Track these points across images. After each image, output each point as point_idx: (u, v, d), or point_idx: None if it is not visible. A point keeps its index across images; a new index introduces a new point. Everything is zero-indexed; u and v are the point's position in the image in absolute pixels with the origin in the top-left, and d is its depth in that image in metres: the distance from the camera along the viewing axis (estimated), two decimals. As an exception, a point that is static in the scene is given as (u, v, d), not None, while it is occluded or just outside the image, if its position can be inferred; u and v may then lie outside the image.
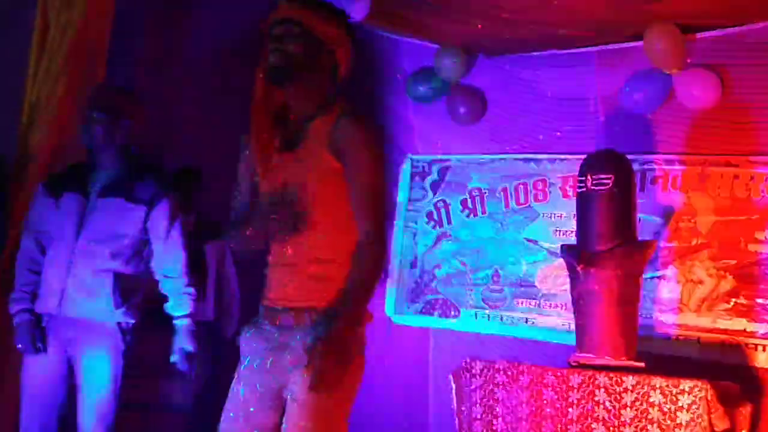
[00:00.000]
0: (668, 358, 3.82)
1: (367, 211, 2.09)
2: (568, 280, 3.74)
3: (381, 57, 4.87)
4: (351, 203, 2.10)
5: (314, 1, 2.18)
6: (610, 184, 3.52)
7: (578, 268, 3.54)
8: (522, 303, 4.45)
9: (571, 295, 3.66)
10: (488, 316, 4.54)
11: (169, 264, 3.16)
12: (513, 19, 4.03)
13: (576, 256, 3.56)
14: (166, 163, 4.30)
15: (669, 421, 3.14)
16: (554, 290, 4.34)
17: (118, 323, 3.07)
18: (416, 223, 4.84)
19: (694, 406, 3.10)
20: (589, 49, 4.29)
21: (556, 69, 4.43)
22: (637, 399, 3.21)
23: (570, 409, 3.33)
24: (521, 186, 4.55)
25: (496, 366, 3.54)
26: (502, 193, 4.60)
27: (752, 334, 3.81)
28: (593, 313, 3.50)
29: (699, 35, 3.99)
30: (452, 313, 4.65)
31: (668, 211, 4.09)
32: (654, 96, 4.08)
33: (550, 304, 4.36)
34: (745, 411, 3.36)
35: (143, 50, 4.31)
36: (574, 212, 3.79)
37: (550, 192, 4.46)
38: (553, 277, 4.35)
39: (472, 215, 4.69)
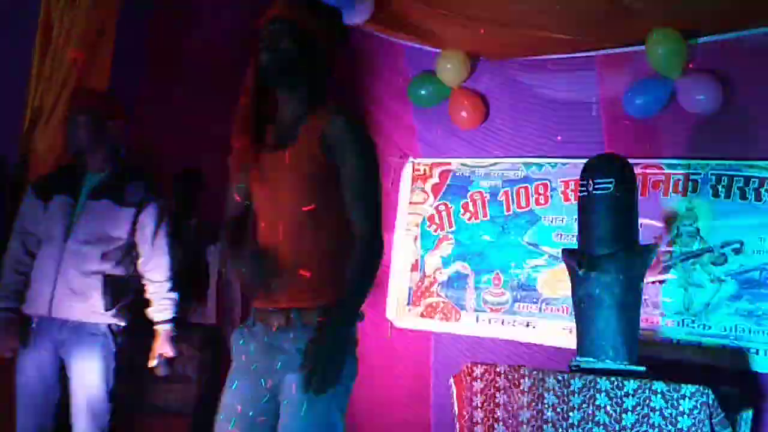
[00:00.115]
0: (669, 363, 3.83)
1: (361, 211, 2.09)
2: (569, 284, 3.74)
3: (383, 60, 4.88)
4: (344, 203, 2.10)
5: (308, 1, 2.18)
6: (612, 188, 3.52)
7: (579, 272, 3.54)
8: (523, 307, 4.45)
9: (572, 299, 3.66)
10: (489, 319, 4.54)
11: (153, 267, 3.17)
12: (514, 24, 4.03)
13: (577, 260, 3.56)
14: (167, 166, 4.31)
15: (670, 426, 3.14)
16: (555, 294, 4.35)
17: (109, 325, 3.08)
18: (417, 226, 4.84)
19: (695, 411, 3.10)
20: (591, 53, 4.30)
21: (557, 73, 4.43)
22: (638, 403, 3.21)
23: (571, 413, 3.33)
24: (522, 190, 4.55)
25: (497, 370, 3.54)
26: (503, 196, 4.61)
27: (754, 339, 3.81)
28: (594, 317, 3.50)
29: (701, 40, 3.99)
30: (453, 316, 4.65)
31: (670, 216, 4.10)
32: (656, 100, 4.09)
33: (551, 308, 4.36)
34: (747, 416, 3.36)
35: (146, 52, 4.31)
36: (576, 216, 3.79)
37: (551, 196, 4.46)
38: (555, 281, 4.35)
39: (473, 219, 4.69)
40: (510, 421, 3.46)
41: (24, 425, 3.06)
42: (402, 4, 4.09)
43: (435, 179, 4.84)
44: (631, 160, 3.74)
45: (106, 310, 3.06)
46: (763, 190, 3.90)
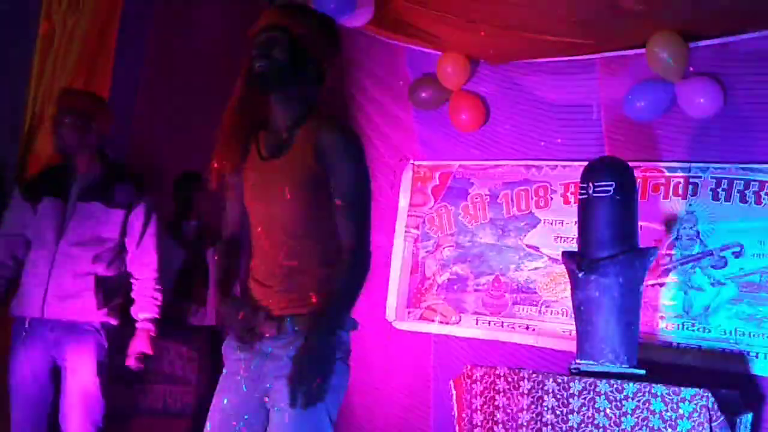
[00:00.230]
0: (669, 366, 3.82)
1: (351, 221, 2.09)
2: (569, 286, 3.74)
3: (383, 63, 4.88)
4: (334, 211, 2.10)
5: (301, 9, 2.19)
6: (612, 191, 3.52)
7: (579, 275, 3.54)
8: (523, 309, 4.45)
9: (572, 302, 3.66)
10: (489, 322, 4.54)
11: (140, 265, 3.18)
12: (515, 27, 4.04)
13: (577, 262, 3.57)
14: (167, 169, 4.31)
15: (670, 429, 3.14)
16: (555, 297, 4.35)
17: (102, 323, 3.09)
18: (418, 228, 4.85)
19: (695, 414, 3.10)
20: (592, 56, 4.30)
21: (558, 76, 4.43)
22: (638, 407, 3.21)
23: (571, 416, 3.33)
24: (522, 192, 4.56)
25: (497, 372, 3.54)
26: (503, 199, 4.61)
27: (754, 343, 3.81)
28: (594, 320, 3.50)
29: (701, 44, 3.99)
30: (453, 318, 4.65)
31: (670, 219, 4.10)
32: (656, 104, 4.09)
33: (551, 310, 4.36)
34: (746, 419, 3.36)
35: (146, 56, 4.31)
36: (576, 219, 3.79)
37: (551, 198, 4.46)
38: (554, 284, 4.35)
39: (473, 221, 4.70)
40: (510, 424, 3.46)
41: (19, 426, 3.07)
42: (403, 7, 4.09)
43: (435, 181, 4.84)
44: (631, 163, 3.74)
45: (99, 308, 3.08)
46: (763, 194, 3.90)
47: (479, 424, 3.55)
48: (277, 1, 2.16)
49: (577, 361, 3.54)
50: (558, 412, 3.36)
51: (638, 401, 3.22)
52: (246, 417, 2.11)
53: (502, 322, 4.50)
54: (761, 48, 3.88)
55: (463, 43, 4.43)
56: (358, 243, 2.09)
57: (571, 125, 4.43)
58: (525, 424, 3.42)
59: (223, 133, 2.18)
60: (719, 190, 4.01)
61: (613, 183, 3.53)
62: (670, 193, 4.12)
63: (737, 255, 3.92)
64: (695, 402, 3.11)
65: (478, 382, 3.57)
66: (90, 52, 3.57)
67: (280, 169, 2.13)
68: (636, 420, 3.20)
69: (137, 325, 3.19)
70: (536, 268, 4.45)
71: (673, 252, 4.06)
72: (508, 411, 3.47)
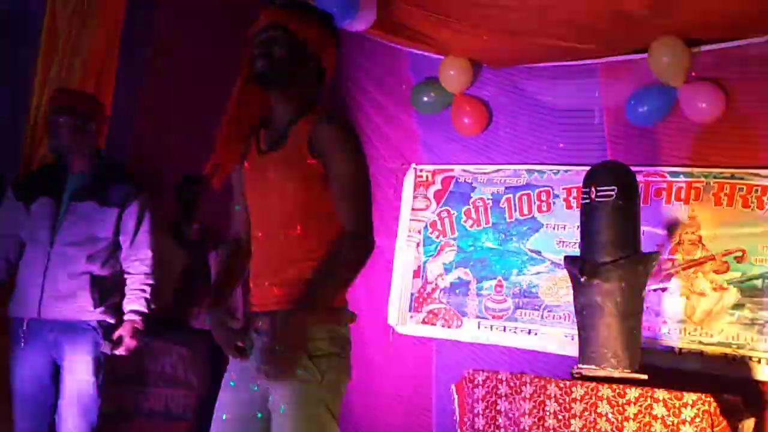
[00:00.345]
0: (671, 371, 3.82)
1: (351, 211, 2.09)
2: (571, 291, 3.74)
3: (386, 67, 4.89)
4: (334, 203, 2.10)
5: (300, 6, 2.20)
6: (614, 196, 3.52)
7: (581, 280, 3.54)
8: (525, 314, 4.44)
9: (574, 307, 3.66)
10: (491, 326, 4.54)
11: (133, 262, 3.19)
12: (517, 32, 4.04)
13: (579, 267, 3.56)
14: (170, 170, 4.32)
15: (672, 434, 3.14)
16: (557, 301, 4.34)
17: (99, 322, 3.10)
18: (420, 232, 4.85)
19: (697, 420, 3.09)
20: (594, 61, 4.30)
21: (560, 80, 4.44)
22: (640, 411, 3.21)
23: (573, 421, 3.32)
24: (525, 197, 4.56)
25: (499, 377, 3.54)
26: (505, 203, 4.61)
27: (756, 348, 3.81)
28: (596, 325, 3.50)
29: (703, 49, 4.00)
30: (455, 323, 4.65)
31: (672, 224, 4.10)
32: (658, 108, 4.09)
33: (553, 315, 4.36)
34: (748, 424, 3.35)
35: (151, 59, 4.33)
36: (578, 223, 3.79)
37: (553, 203, 4.46)
38: (556, 289, 4.35)
39: (475, 225, 4.70)
40: (511, 429, 3.45)
41: (21, 427, 3.07)
42: (405, 11, 4.10)
43: (437, 186, 4.85)
44: (633, 168, 3.75)
45: (95, 307, 3.09)
46: (765, 199, 3.90)
47: (481, 428, 3.54)
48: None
49: (579, 365, 3.54)
50: (560, 417, 3.35)
51: (640, 406, 3.21)
52: (248, 415, 2.12)
53: (505, 327, 4.50)
54: (763, 53, 3.89)
55: (465, 47, 4.43)
56: (358, 228, 2.08)
57: (573, 130, 4.44)
58: (527, 428, 3.41)
59: (224, 132, 2.19)
60: (721, 194, 4.00)
61: (615, 187, 3.53)
62: (672, 197, 4.12)
63: (739, 260, 3.91)
64: (697, 407, 3.10)
65: (480, 387, 3.57)
66: (95, 56, 3.57)
67: (275, 163, 2.14)
68: (638, 425, 3.20)
69: (125, 317, 3.18)
70: (538, 273, 4.45)
71: (675, 257, 4.06)
72: (510, 415, 3.46)
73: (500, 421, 3.49)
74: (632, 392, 3.24)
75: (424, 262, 4.81)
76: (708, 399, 3.11)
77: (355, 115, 4.94)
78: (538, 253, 4.46)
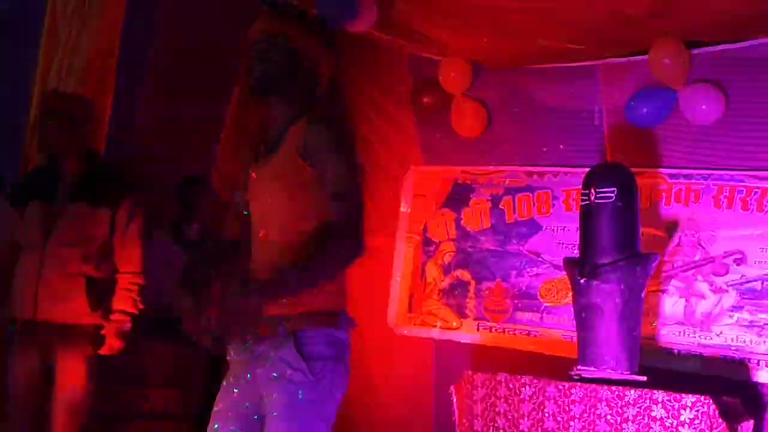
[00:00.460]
0: (670, 373, 3.82)
1: (337, 211, 2.07)
2: (570, 293, 3.74)
3: (386, 68, 4.88)
4: (325, 204, 2.10)
5: (297, 14, 2.21)
6: (614, 198, 3.52)
7: (581, 281, 3.54)
8: (524, 315, 4.44)
9: (574, 308, 3.66)
10: (490, 327, 4.54)
11: (123, 260, 3.19)
12: (517, 33, 4.04)
13: (579, 269, 3.57)
14: (170, 171, 4.32)
15: (671, 436, 3.14)
16: (556, 303, 4.34)
17: (94, 326, 3.10)
18: (419, 233, 4.84)
19: (696, 421, 3.09)
20: (594, 62, 4.30)
21: (560, 82, 4.44)
22: (639, 413, 3.21)
23: (572, 423, 3.32)
24: (524, 198, 4.56)
25: (498, 378, 3.54)
26: (505, 205, 4.61)
27: (755, 350, 3.81)
28: (595, 327, 3.50)
29: (703, 50, 4.00)
30: (454, 324, 4.65)
31: (671, 225, 4.10)
32: (658, 110, 4.09)
33: (552, 316, 4.36)
34: (747, 427, 3.35)
35: (149, 59, 4.33)
36: (577, 225, 3.79)
37: (553, 205, 4.46)
38: (556, 290, 4.35)
39: (475, 227, 4.70)
40: (510, 430, 3.45)
41: (16, 429, 3.07)
42: (405, 12, 4.10)
43: (437, 187, 4.84)
44: (632, 170, 3.75)
45: (91, 310, 3.09)
46: (765, 201, 3.90)
47: (480, 430, 3.54)
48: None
49: (579, 367, 3.54)
50: (559, 419, 3.35)
51: (639, 408, 3.21)
52: (244, 419, 2.12)
53: (504, 328, 4.50)
54: (763, 55, 3.89)
55: (465, 48, 4.44)
56: (344, 230, 2.06)
57: (572, 131, 4.44)
58: (526, 430, 3.41)
59: (226, 137, 2.20)
60: (721, 196, 4.01)
61: (615, 189, 3.53)
62: (672, 199, 4.12)
63: (738, 262, 3.91)
64: (696, 409, 3.10)
65: (479, 388, 3.57)
66: (95, 56, 3.57)
67: (271, 168, 2.15)
68: (637, 427, 3.20)
69: (111, 316, 3.18)
70: (538, 274, 4.45)
71: (674, 259, 4.06)
72: (509, 417, 3.46)
73: (499, 422, 3.48)
74: (631, 394, 3.24)
75: (424, 263, 4.81)
76: (707, 401, 3.10)
77: (355, 115, 4.93)
78: (538, 254, 4.45)
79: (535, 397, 3.42)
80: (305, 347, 2.05)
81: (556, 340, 4.29)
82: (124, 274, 3.20)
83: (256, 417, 2.11)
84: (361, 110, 4.94)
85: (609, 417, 3.25)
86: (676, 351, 3.99)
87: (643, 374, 3.44)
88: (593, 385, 3.33)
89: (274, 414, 2.04)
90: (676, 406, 3.14)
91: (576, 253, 3.82)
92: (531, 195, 4.53)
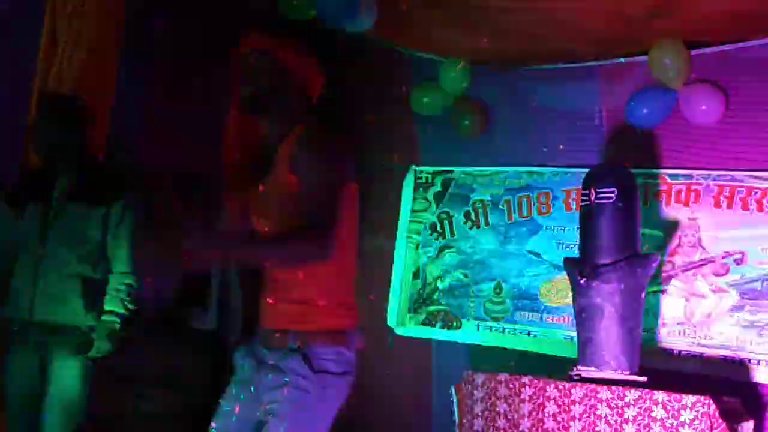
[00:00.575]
0: (670, 373, 3.82)
1: (310, 216, 2.07)
2: (570, 293, 3.74)
3: (385, 69, 4.88)
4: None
5: (285, 33, 2.23)
6: (614, 198, 3.52)
7: (581, 282, 3.54)
8: (524, 316, 4.45)
9: (574, 309, 3.67)
10: (490, 328, 4.54)
11: (114, 259, 3.20)
12: (517, 34, 4.04)
13: (579, 269, 3.57)
14: (169, 171, 4.31)
15: (671, 436, 3.14)
16: (556, 303, 4.34)
17: (90, 327, 3.10)
18: (419, 234, 4.85)
19: (696, 422, 3.09)
20: (594, 63, 4.31)
21: (560, 82, 4.44)
22: (639, 413, 3.21)
23: (572, 423, 3.32)
24: (524, 199, 4.56)
25: (498, 378, 3.54)
26: (505, 205, 4.61)
27: (755, 350, 3.81)
28: (595, 327, 3.50)
29: (703, 51, 4.00)
30: (454, 324, 4.65)
31: (671, 226, 4.10)
32: (658, 110, 4.09)
33: (553, 317, 4.36)
34: (748, 427, 3.35)
35: (149, 59, 4.32)
36: (577, 225, 3.79)
37: (553, 205, 4.46)
38: (556, 291, 4.35)
39: (475, 227, 4.70)
40: (511, 430, 3.45)
41: (13, 429, 3.08)
42: (405, 13, 4.10)
43: (437, 187, 4.85)
44: (633, 170, 3.75)
45: (87, 312, 3.09)
46: (765, 201, 3.90)
47: (480, 430, 3.54)
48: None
49: (579, 367, 3.54)
50: (559, 419, 3.35)
51: (639, 408, 3.21)
52: (246, 425, 2.15)
53: (504, 328, 4.50)
54: (763, 55, 3.89)
55: (465, 48, 4.43)
56: (310, 233, 2.05)
57: (573, 131, 4.44)
58: (526, 430, 3.41)
59: (229, 162, 2.23)
60: (721, 197, 4.01)
61: (615, 189, 3.53)
62: (672, 199, 4.12)
63: (739, 262, 3.91)
64: (696, 409, 3.10)
65: (480, 388, 3.57)
66: (95, 56, 3.57)
67: (270, 189, 2.19)
68: (637, 427, 3.20)
69: (102, 317, 3.17)
70: (538, 275, 4.45)
71: (674, 259, 4.06)
72: (510, 417, 3.46)
73: (499, 422, 3.48)
74: (631, 394, 3.24)
75: (424, 264, 4.81)
76: (707, 401, 3.10)
77: (355, 116, 4.94)
78: (538, 255, 4.46)
79: (535, 398, 3.42)
80: (314, 362, 2.10)
81: (556, 340, 4.30)
82: (114, 274, 3.21)
83: (256, 422, 2.13)
84: (360, 111, 4.94)
85: (609, 417, 3.25)
86: (676, 351, 3.99)
87: (643, 374, 3.44)
88: (593, 386, 3.33)
89: (275, 416, 2.07)
90: (677, 407, 3.14)
91: (576, 253, 3.82)
92: (531, 195, 4.53)
